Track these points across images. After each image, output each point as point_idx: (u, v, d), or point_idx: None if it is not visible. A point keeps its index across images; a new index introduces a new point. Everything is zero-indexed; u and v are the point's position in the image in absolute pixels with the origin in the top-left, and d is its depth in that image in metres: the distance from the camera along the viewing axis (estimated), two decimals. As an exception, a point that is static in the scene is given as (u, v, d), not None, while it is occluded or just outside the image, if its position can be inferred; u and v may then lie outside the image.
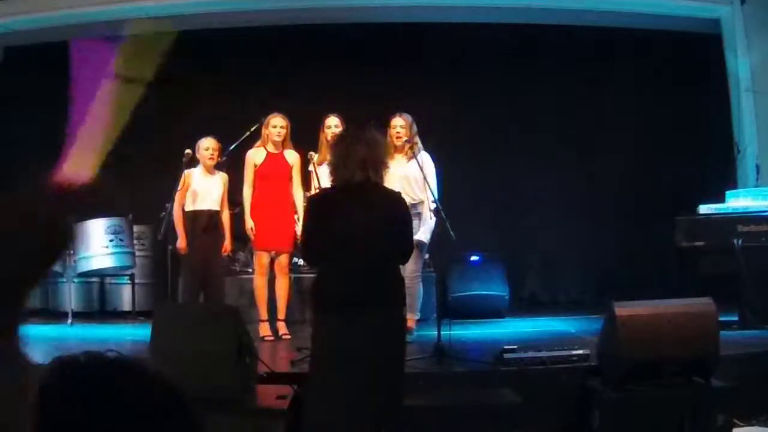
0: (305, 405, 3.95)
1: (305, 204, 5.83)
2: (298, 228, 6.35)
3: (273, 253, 6.68)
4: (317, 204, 4.02)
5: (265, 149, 6.58)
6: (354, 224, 3.71)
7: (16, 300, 0.93)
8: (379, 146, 3.86)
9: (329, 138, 6.35)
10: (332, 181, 4.01)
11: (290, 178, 6.57)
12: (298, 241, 6.11)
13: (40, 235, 0.89)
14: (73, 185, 0.89)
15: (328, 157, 4.12)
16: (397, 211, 3.89)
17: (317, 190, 6.16)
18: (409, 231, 3.98)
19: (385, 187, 3.97)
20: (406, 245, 3.95)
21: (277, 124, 6.54)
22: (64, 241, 0.90)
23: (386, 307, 3.76)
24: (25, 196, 0.84)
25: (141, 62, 0.89)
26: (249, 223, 6.51)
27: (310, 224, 3.88)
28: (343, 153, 3.80)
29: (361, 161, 3.73)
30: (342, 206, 3.78)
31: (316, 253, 3.93)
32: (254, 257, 6.83)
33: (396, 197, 4.03)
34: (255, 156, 6.58)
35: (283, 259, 6.60)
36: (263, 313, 6.59)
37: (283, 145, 6.58)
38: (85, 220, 7.74)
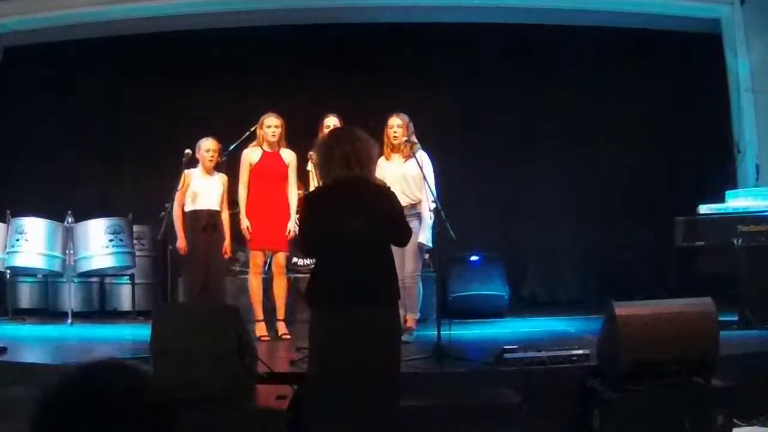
0: (306, 400, 3.98)
1: (299, 202, 5.86)
2: (290, 226, 6.44)
3: (270, 252, 6.68)
4: (309, 201, 4.03)
5: (261, 149, 6.58)
6: (343, 220, 3.73)
7: None
8: (363, 143, 3.85)
9: (328, 138, 6.37)
10: (320, 180, 4.10)
11: (286, 178, 6.56)
12: (296, 239, 6.17)
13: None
14: None
15: (315, 157, 4.16)
16: (387, 204, 3.89)
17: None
18: (401, 220, 3.97)
19: (374, 183, 4.02)
20: (401, 233, 3.95)
21: (271, 124, 6.55)
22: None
23: (378, 303, 3.74)
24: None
25: None
26: (244, 222, 6.50)
27: (304, 222, 3.95)
28: (326, 153, 3.85)
29: (344, 159, 3.76)
30: (331, 203, 3.82)
31: (314, 250, 4.01)
32: (249, 257, 6.81)
33: (385, 191, 4.08)
34: (251, 155, 6.58)
35: (280, 259, 6.60)
36: (259, 313, 6.59)
37: (278, 144, 6.58)
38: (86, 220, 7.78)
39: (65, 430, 1.10)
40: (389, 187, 4.30)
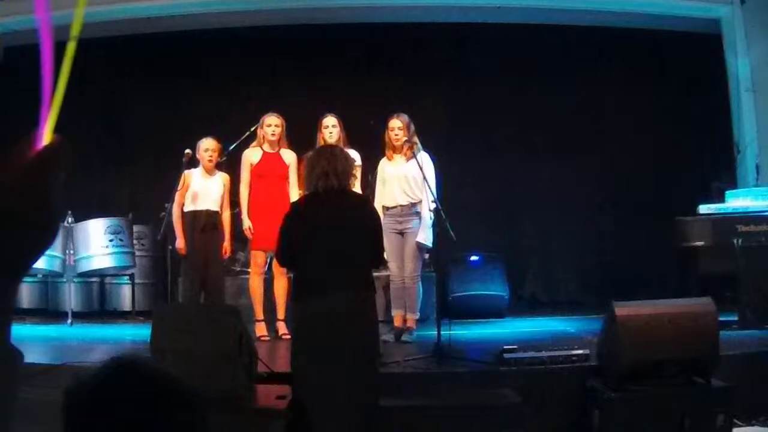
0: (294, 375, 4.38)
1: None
2: None
3: (271, 252, 6.68)
4: (293, 209, 4.56)
5: (261, 149, 6.59)
6: (322, 223, 4.28)
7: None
8: (340, 160, 4.40)
9: (326, 138, 6.38)
10: (304, 190, 4.62)
11: (287, 178, 6.55)
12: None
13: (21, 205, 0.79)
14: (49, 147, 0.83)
15: (302, 170, 4.67)
16: (362, 211, 4.50)
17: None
18: (376, 227, 4.50)
19: (352, 192, 4.60)
20: (375, 238, 4.43)
21: (271, 123, 6.56)
22: (47, 213, 0.78)
23: (353, 289, 4.20)
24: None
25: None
26: (246, 222, 6.50)
27: (283, 230, 4.40)
28: (308, 167, 4.43)
29: (322, 173, 4.31)
30: (311, 209, 4.39)
31: (286, 257, 4.48)
32: (251, 257, 6.81)
33: (361, 199, 4.89)
34: (251, 155, 6.58)
35: (282, 259, 6.60)
36: (259, 313, 6.59)
37: (278, 144, 6.59)
38: (85, 220, 7.78)
39: (98, 426, 1.11)
40: (365, 197, 4.93)
